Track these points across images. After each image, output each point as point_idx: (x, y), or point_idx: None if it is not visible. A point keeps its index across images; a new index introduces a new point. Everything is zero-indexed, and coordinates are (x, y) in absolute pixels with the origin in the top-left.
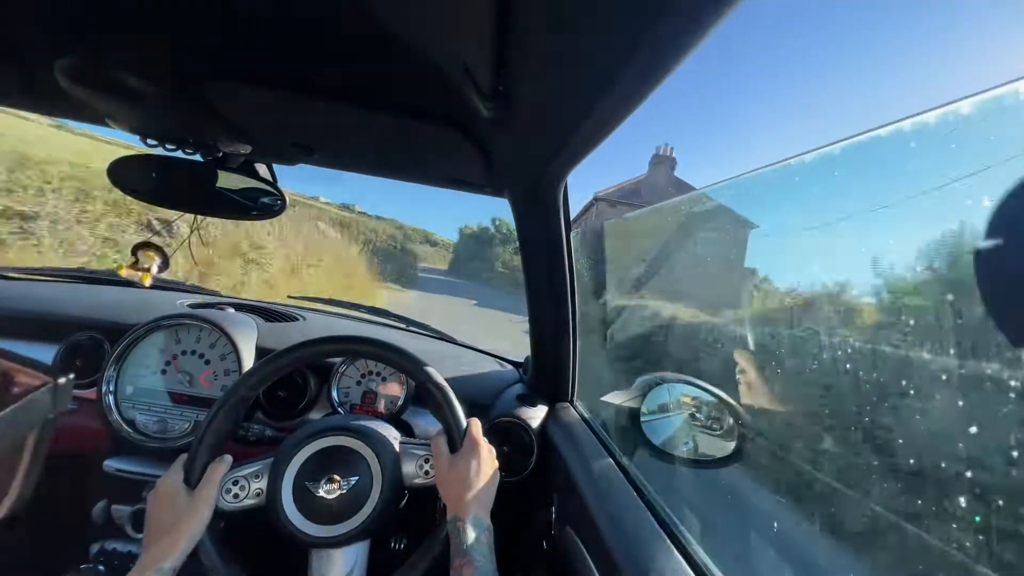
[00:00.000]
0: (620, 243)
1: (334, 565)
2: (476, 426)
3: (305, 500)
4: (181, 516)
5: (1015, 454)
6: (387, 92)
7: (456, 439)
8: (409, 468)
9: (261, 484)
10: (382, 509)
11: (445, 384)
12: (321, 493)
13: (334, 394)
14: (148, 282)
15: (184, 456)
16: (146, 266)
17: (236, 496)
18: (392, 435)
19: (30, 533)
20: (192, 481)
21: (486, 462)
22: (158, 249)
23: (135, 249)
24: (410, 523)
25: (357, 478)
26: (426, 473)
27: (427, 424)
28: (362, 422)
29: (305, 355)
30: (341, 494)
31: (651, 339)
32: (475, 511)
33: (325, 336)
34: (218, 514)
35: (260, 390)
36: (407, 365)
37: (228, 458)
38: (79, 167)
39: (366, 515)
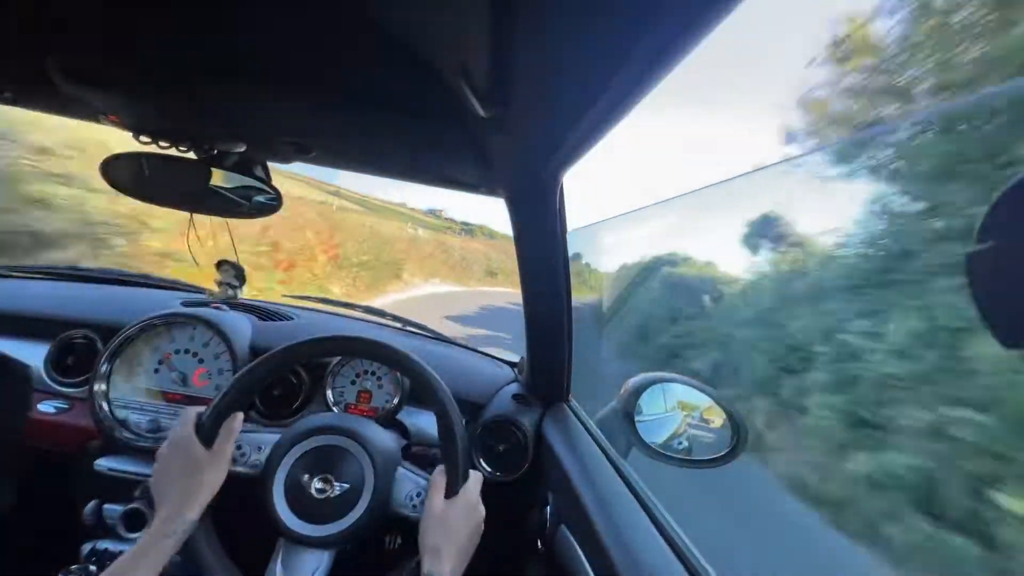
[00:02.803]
0: None
1: (300, 564)
2: (477, 482)
3: (295, 491)
4: (200, 468)
5: None
6: (383, 91)
7: (455, 486)
8: (400, 494)
9: (260, 457)
10: (363, 523)
11: (464, 432)
12: (311, 490)
13: (329, 393)
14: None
15: (192, 410)
16: (226, 281)
17: (234, 460)
18: (395, 451)
19: (21, 532)
20: (209, 435)
21: (475, 522)
22: (234, 264)
23: (218, 264)
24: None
25: (349, 487)
26: (414, 507)
27: (422, 424)
28: (370, 434)
29: (349, 348)
30: (329, 496)
31: None
32: (451, 570)
33: (376, 341)
34: None
35: (294, 365)
36: (439, 401)
37: (240, 415)
38: None
39: (346, 525)
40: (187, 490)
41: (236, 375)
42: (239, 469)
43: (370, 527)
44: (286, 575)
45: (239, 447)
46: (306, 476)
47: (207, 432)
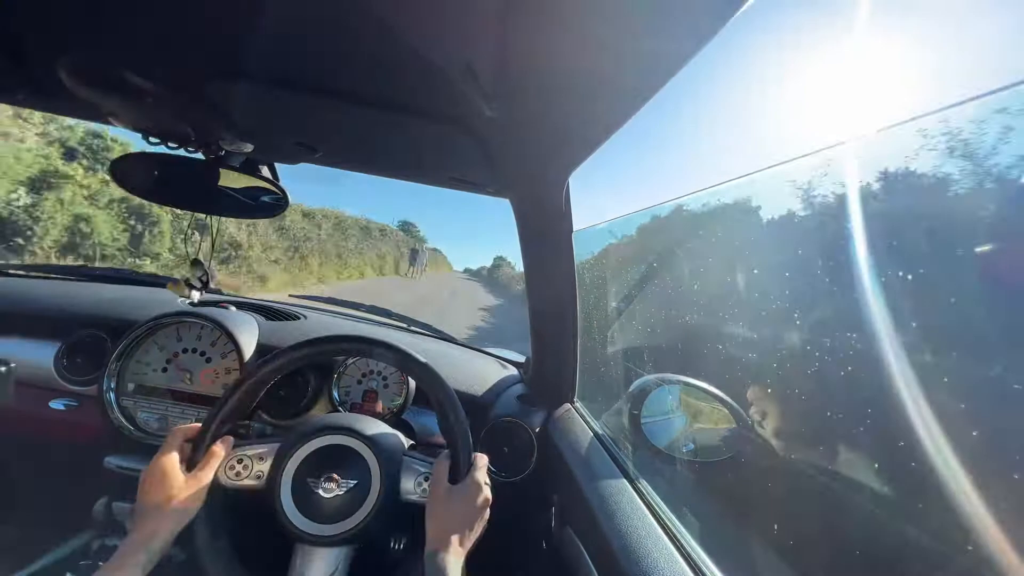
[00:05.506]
0: None
1: (317, 565)
2: (483, 463)
3: (303, 494)
4: (175, 496)
5: None
6: (390, 92)
7: (460, 471)
8: (408, 483)
9: (264, 467)
10: (374, 517)
11: (465, 419)
12: (319, 490)
13: (335, 393)
14: (196, 298)
15: (177, 430)
16: (195, 284)
17: (238, 474)
18: (398, 444)
19: (30, 528)
20: (193, 462)
21: (481, 505)
22: (204, 266)
23: (193, 264)
24: (404, 530)
25: (356, 483)
26: (423, 492)
27: (427, 424)
28: (371, 430)
29: (343, 349)
30: (338, 495)
31: None
32: (456, 553)
33: (370, 338)
34: (216, 488)
35: (277, 377)
36: (436, 391)
37: (231, 439)
38: None
39: (358, 521)
40: (157, 519)
41: (224, 394)
42: (244, 483)
43: (380, 522)
44: None
45: (240, 460)
46: (312, 477)
47: (193, 457)
